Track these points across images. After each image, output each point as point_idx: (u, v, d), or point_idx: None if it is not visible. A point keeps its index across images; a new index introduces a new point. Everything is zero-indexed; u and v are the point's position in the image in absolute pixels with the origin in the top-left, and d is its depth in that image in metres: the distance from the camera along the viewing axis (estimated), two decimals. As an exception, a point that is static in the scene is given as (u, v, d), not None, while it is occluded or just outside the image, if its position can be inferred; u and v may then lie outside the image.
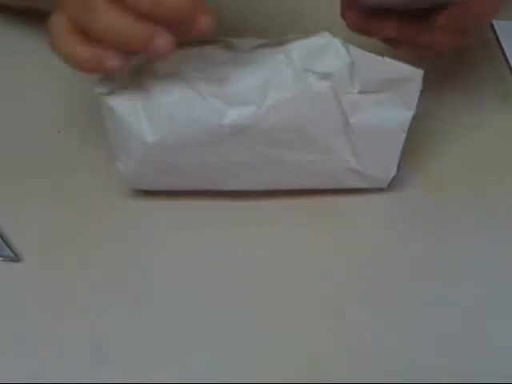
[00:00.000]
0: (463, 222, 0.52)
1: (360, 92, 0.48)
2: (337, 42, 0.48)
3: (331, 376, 0.44)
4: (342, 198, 0.53)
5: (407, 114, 0.49)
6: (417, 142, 0.53)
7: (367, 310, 0.47)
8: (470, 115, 0.59)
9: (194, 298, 0.47)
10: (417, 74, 0.48)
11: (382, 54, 0.48)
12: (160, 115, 0.47)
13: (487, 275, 0.49)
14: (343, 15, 0.54)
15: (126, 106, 0.47)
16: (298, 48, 0.48)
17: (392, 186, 0.53)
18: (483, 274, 0.49)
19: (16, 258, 0.49)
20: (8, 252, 0.49)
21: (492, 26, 0.68)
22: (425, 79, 0.48)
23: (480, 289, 0.48)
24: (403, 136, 0.50)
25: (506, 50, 0.65)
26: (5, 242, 0.49)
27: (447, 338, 0.46)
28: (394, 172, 0.52)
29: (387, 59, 0.48)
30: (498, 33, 0.67)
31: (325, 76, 0.47)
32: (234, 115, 0.47)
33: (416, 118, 0.49)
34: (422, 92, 0.49)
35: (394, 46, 0.55)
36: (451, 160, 0.56)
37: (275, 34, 0.49)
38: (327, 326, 0.46)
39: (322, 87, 0.47)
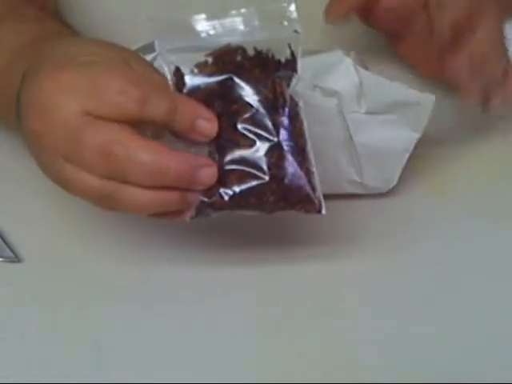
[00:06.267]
0: (464, 224, 0.52)
1: (367, 112, 0.48)
2: (348, 62, 0.48)
3: (331, 376, 0.43)
4: (344, 200, 0.52)
5: (413, 136, 0.49)
6: (418, 145, 0.52)
7: (367, 311, 0.47)
8: (470, 117, 0.59)
9: (193, 297, 0.47)
10: (428, 99, 0.48)
11: (394, 77, 0.48)
12: None
13: (488, 276, 0.49)
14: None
15: None
16: (310, 63, 0.47)
17: (393, 188, 0.52)
18: (485, 275, 0.49)
19: (16, 258, 0.48)
20: (8, 252, 0.49)
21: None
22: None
23: (481, 290, 0.48)
24: (406, 155, 0.50)
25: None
26: (5, 242, 0.49)
27: (447, 337, 0.45)
28: (394, 182, 0.51)
29: (398, 84, 0.48)
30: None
31: (332, 93, 0.47)
32: None
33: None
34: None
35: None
36: (452, 163, 0.56)
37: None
38: (327, 326, 0.46)
39: (327, 103, 0.48)
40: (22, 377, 0.43)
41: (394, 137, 0.49)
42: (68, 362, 0.44)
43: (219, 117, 0.42)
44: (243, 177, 0.41)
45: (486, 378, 0.43)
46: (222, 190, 0.42)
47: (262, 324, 0.46)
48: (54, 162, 0.42)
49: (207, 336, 0.45)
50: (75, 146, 0.40)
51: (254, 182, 0.41)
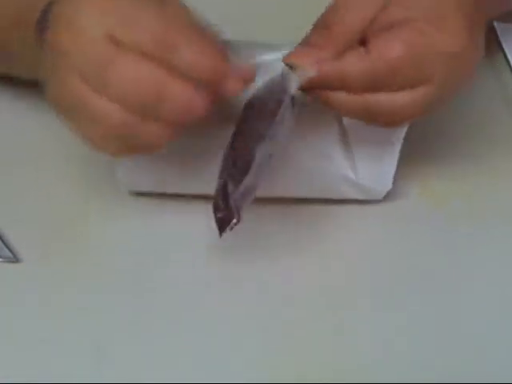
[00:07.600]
0: (460, 230, 0.52)
1: None
2: None
3: (331, 376, 0.43)
4: (340, 206, 0.52)
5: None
6: (414, 148, 0.52)
7: (366, 315, 0.47)
8: (469, 118, 0.59)
9: (193, 296, 0.47)
10: None
11: None
12: None
13: (486, 280, 0.49)
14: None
15: None
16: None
17: (389, 193, 0.52)
18: (482, 279, 0.49)
19: (15, 258, 0.48)
20: (7, 252, 0.48)
21: (493, 28, 0.68)
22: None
23: (478, 293, 0.48)
24: (398, 145, 0.50)
25: (508, 53, 0.65)
26: (3, 242, 0.49)
27: (447, 338, 0.46)
28: (389, 185, 0.51)
29: None
30: (500, 35, 0.67)
31: None
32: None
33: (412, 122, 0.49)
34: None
35: None
36: (449, 167, 0.55)
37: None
38: (327, 329, 0.46)
39: None
40: (21, 377, 0.43)
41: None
42: (68, 362, 0.44)
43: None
44: None
45: (486, 378, 0.43)
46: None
47: (263, 325, 0.46)
48: (71, 81, 0.40)
49: (207, 336, 0.45)
50: (105, 71, 0.39)
51: None
